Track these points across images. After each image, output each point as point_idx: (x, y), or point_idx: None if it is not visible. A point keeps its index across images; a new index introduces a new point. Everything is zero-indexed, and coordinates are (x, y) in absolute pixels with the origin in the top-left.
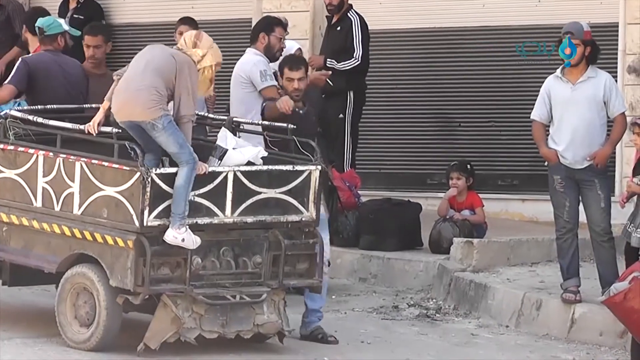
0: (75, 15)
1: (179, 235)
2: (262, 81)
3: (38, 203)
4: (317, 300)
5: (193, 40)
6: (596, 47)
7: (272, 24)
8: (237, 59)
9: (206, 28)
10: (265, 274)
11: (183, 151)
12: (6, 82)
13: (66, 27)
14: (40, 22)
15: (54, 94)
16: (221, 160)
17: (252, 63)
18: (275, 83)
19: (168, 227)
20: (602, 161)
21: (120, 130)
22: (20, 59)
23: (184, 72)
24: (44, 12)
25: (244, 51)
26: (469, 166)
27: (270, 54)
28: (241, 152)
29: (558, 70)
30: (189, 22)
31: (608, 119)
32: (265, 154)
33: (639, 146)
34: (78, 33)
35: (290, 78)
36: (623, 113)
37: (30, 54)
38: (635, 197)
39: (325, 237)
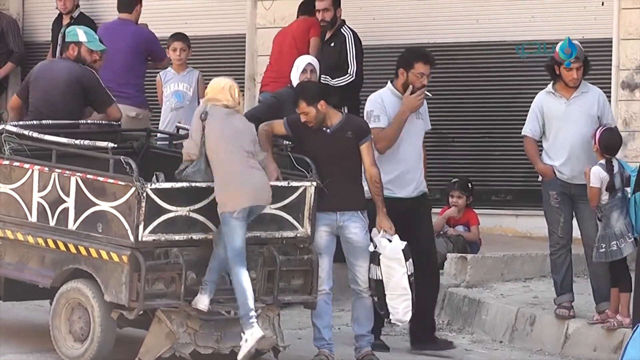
0: None
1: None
2: (372, 120)
3: (33, 218)
4: (364, 324)
5: (237, 97)
6: (588, 64)
7: (411, 59)
8: (232, 75)
9: (199, 44)
10: (259, 290)
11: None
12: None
13: (83, 38)
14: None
15: (34, 99)
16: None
17: (369, 100)
18: (383, 125)
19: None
20: None
21: (115, 145)
22: None
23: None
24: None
25: (239, 67)
26: (469, 185)
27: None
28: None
29: (549, 86)
30: (181, 38)
31: None
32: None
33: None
34: (103, 47)
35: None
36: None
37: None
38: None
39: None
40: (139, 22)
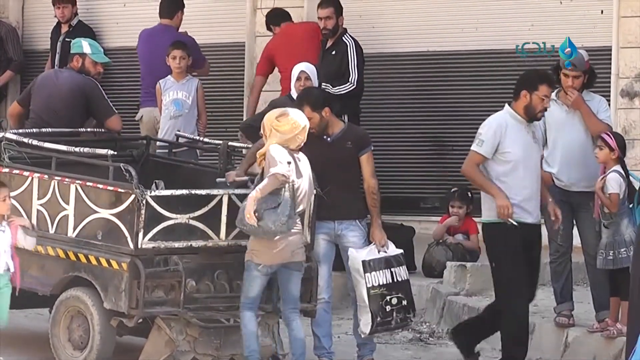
0: (67, 39)
1: None
2: (475, 142)
3: None
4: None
5: (301, 133)
6: (594, 74)
7: (536, 82)
8: (231, 83)
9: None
10: None
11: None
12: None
13: (87, 50)
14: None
15: (36, 106)
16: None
17: (487, 122)
18: (482, 152)
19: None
20: None
21: (115, 153)
22: None
23: None
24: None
25: (238, 75)
26: (469, 194)
27: (531, 114)
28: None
29: (553, 94)
30: (181, 46)
31: None
32: None
33: (600, 160)
34: (107, 60)
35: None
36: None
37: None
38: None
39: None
40: (180, 29)
